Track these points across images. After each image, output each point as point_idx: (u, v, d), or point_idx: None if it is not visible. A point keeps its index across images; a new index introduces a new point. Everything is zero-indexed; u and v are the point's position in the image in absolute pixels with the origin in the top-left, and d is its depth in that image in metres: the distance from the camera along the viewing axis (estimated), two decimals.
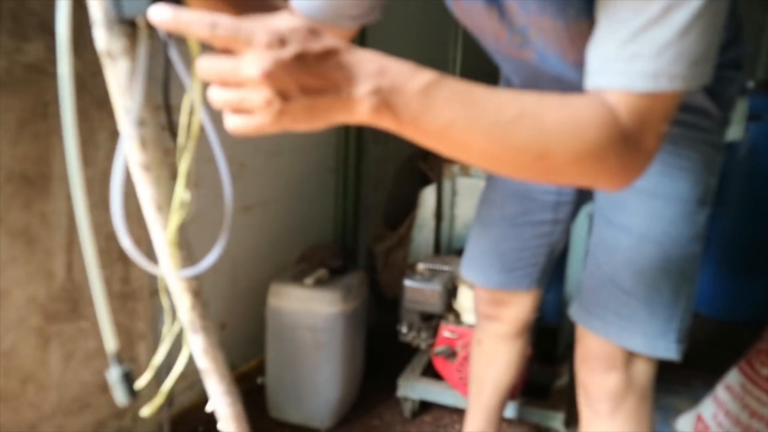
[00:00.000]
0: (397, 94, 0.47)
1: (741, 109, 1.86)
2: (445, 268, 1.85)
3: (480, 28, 0.82)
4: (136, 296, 1.35)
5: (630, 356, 0.87)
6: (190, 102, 0.48)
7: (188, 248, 0.53)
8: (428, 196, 2.18)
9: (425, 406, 1.84)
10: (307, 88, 0.44)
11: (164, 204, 0.49)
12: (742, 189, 2.45)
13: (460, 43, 3.49)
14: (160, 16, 0.42)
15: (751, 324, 2.53)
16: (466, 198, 2.06)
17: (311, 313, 1.59)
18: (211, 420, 1.94)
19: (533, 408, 1.65)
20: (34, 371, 1.15)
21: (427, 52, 3.24)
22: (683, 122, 0.82)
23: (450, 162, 2.04)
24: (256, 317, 1.86)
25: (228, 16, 0.43)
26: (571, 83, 0.84)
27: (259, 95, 0.43)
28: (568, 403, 1.67)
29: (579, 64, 0.77)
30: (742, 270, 2.56)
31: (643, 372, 0.89)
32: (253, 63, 0.42)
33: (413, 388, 1.75)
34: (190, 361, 1.72)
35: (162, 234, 0.51)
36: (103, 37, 0.45)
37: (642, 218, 0.85)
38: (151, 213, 0.50)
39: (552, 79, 0.85)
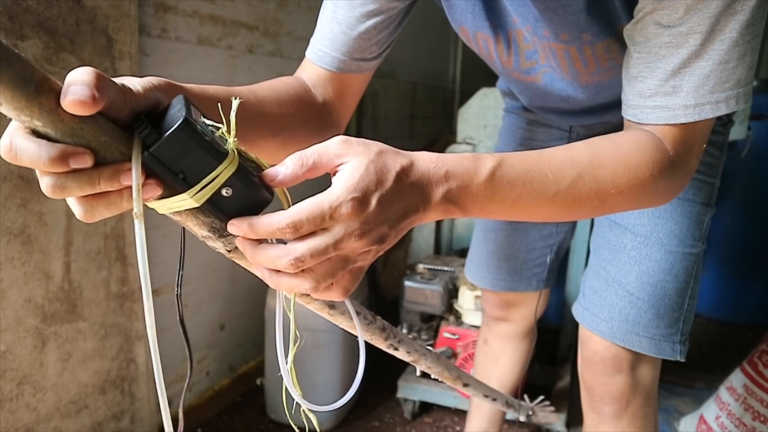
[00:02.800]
0: (464, 193, 0.48)
1: (744, 108, 1.85)
2: (446, 268, 1.84)
3: (487, 54, 0.81)
4: (134, 297, 1.35)
5: (636, 358, 0.87)
6: None
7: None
8: None
9: (425, 407, 1.83)
10: (394, 222, 0.45)
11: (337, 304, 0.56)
12: (744, 188, 2.45)
13: (461, 43, 3.48)
14: (238, 231, 0.42)
15: (754, 325, 2.53)
16: None
17: (310, 313, 1.58)
18: (209, 422, 1.93)
19: None
20: (32, 373, 1.14)
21: (428, 52, 3.24)
22: None
23: None
24: (255, 318, 1.85)
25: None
26: (579, 101, 0.84)
27: (362, 251, 0.44)
28: (569, 404, 1.67)
29: (590, 84, 0.76)
30: (745, 271, 2.55)
31: (648, 373, 0.89)
32: (347, 232, 0.42)
33: (413, 389, 1.74)
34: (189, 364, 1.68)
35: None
36: (221, 246, 0.46)
37: (648, 219, 0.84)
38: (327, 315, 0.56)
39: (560, 99, 0.85)
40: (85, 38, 1.13)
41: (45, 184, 0.37)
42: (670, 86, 0.55)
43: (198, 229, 0.44)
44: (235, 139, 0.41)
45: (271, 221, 0.41)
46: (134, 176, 0.37)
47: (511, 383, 1.27)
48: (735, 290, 2.58)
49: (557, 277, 1.26)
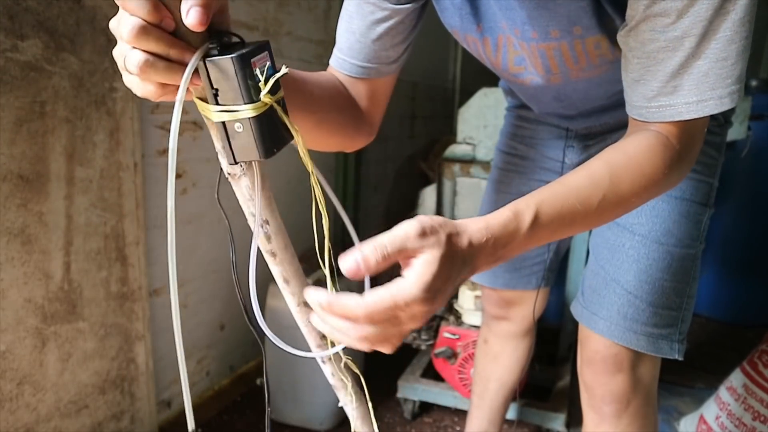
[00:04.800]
0: (508, 250, 0.53)
1: (744, 108, 1.85)
2: None
3: (478, 55, 0.83)
4: (134, 297, 1.35)
5: (636, 357, 0.87)
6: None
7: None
8: (428, 196, 2.17)
9: (425, 407, 1.83)
10: (448, 296, 0.49)
11: (290, 277, 0.59)
12: (744, 188, 2.45)
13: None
14: (313, 299, 0.46)
15: (753, 325, 2.52)
16: (466, 198, 2.05)
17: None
18: (209, 422, 1.93)
19: (534, 409, 1.64)
20: (31, 373, 1.14)
21: (428, 52, 3.24)
22: None
23: (450, 161, 2.03)
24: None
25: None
26: (572, 100, 0.84)
27: (422, 317, 0.48)
28: (569, 404, 1.66)
29: (581, 79, 0.78)
30: (744, 270, 2.55)
31: (648, 373, 0.89)
32: (412, 319, 0.47)
33: (413, 389, 1.74)
34: (190, 363, 1.70)
35: (294, 303, 0.62)
36: (225, 164, 0.52)
37: (645, 218, 0.84)
38: (281, 284, 0.60)
39: (552, 99, 0.87)
40: (85, 38, 1.13)
41: (131, 24, 0.42)
42: (672, 86, 0.56)
43: (216, 140, 0.51)
44: (269, 95, 0.47)
45: (348, 309, 0.45)
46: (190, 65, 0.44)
47: (511, 383, 1.28)
48: (735, 290, 2.58)
49: (557, 277, 1.26)
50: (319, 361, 0.65)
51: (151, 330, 1.42)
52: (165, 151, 1.42)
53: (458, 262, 0.47)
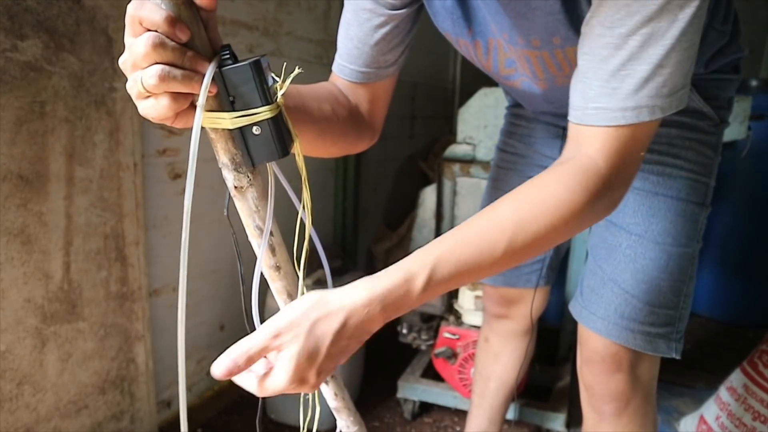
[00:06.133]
0: (402, 309, 0.55)
1: (744, 108, 1.85)
2: None
3: (470, 58, 0.85)
4: (134, 297, 1.35)
5: (635, 357, 0.87)
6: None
7: None
8: (428, 196, 2.17)
9: (425, 408, 1.83)
10: (343, 356, 0.54)
11: (293, 293, 0.61)
12: (744, 188, 2.45)
13: None
14: (217, 371, 0.51)
15: (753, 325, 2.53)
16: (466, 198, 2.05)
17: None
18: (209, 422, 1.93)
19: (534, 409, 1.64)
20: (31, 373, 1.14)
21: (428, 52, 3.24)
22: (680, 123, 0.82)
23: (450, 161, 2.03)
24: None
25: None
26: (562, 103, 0.85)
27: (311, 387, 0.53)
28: (569, 404, 1.67)
29: (566, 86, 0.78)
30: (744, 270, 2.55)
31: (647, 372, 0.89)
32: (301, 387, 0.52)
33: (413, 390, 1.74)
34: (190, 363, 1.70)
35: None
36: (231, 178, 0.53)
37: (642, 218, 0.85)
38: (282, 302, 0.61)
39: (543, 101, 0.88)
40: (85, 38, 1.13)
41: (149, 37, 0.45)
42: (611, 87, 0.56)
43: (222, 154, 0.52)
44: (282, 98, 0.51)
45: (251, 355, 0.51)
46: (208, 73, 0.47)
47: (511, 381, 1.28)
48: (734, 290, 2.58)
49: (557, 277, 1.27)
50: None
51: (151, 330, 1.42)
52: (165, 151, 1.42)
53: (328, 341, 0.51)
